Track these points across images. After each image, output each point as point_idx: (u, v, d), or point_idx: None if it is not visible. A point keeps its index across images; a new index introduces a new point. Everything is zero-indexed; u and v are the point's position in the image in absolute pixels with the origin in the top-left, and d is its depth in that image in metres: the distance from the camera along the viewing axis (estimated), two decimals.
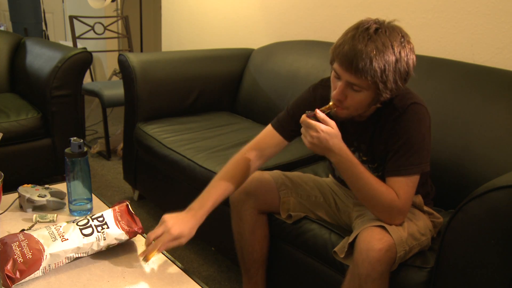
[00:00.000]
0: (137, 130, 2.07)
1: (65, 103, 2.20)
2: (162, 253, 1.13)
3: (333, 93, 1.12)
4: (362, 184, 1.12)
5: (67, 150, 1.24)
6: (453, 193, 1.42)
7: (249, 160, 1.31)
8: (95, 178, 2.59)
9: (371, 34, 1.03)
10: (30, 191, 1.30)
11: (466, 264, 1.00)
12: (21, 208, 1.30)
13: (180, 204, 1.92)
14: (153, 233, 1.10)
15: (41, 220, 1.24)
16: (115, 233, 1.09)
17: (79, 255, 1.05)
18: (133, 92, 2.08)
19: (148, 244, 1.10)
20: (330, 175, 1.52)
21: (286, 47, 2.26)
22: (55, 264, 1.01)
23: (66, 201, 1.33)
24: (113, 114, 3.70)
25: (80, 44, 3.35)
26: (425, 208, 1.28)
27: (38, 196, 1.29)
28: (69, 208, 1.30)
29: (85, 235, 1.05)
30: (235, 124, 2.15)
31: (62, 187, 1.41)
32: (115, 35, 3.66)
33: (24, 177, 2.12)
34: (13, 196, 1.34)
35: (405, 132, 1.12)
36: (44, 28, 3.92)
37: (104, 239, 1.08)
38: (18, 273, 0.95)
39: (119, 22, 3.94)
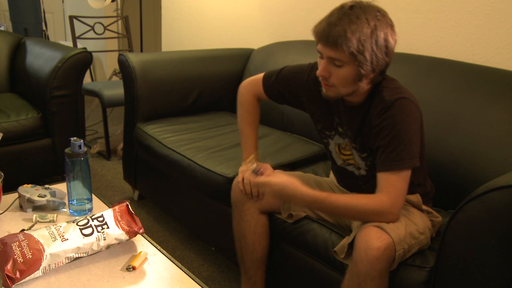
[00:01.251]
0: (137, 130, 2.07)
1: (65, 103, 2.20)
2: (162, 252, 1.13)
3: (318, 70, 1.16)
4: (342, 209, 1.17)
5: (67, 150, 1.24)
6: (453, 193, 1.42)
7: (256, 103, 1.50)
8: (95, 178, 2.59)
9: (346, 10, 1.08)
10: (30, 191, 1.30)
11: (466, 264, 1.00)
12: (21, 208, 1.30)
13: (180, 204, 1.92)
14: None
15: (41, 220, 1.24)
16: (115, 233, 1.09)
17: (79, 255, 1.05)
18: (133, 92, 2.08)
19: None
20: (330, 175, 1.53)
21: (286, 47, 2.26)
22: (55, 264, 1.01)
23: (66, 201, 1.33)
24: (113, 114, 3.70)
25: (80, 44, 3.35)
26: (424, 207, 1.28)
27: (38, 196, 1.29)
28: (69, 208, 1.30)
29: (85, 235, 1.05)
30: (235, 124, 2.14)
31: (62, 187, 1.41)
32: (115, 35, 3.66)
33: (24, 177, 2.13)
34: (13, 196, 1.34)
35: (393, 127, 1.13)
36: (44, 28, 3.92)
37: (104, 239, 1.08)
38: (18, 273, 0.95)
39: (119, 22, 3.94)
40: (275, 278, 1.51)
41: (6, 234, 1.11)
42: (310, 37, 1.93)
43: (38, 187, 1.34)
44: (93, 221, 1.09)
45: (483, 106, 1.44)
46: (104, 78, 4.52)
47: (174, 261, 1.10)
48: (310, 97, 1.34)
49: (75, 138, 1.24)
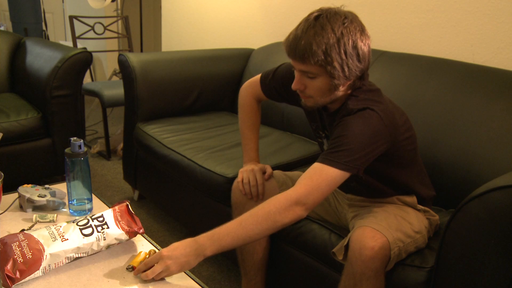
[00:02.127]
0: (137, 130, 2.07)
1: (65, 103, 2.20)
2: None
3: (292, 84, 1.16)
4: (252, 227, 1.06)
5: (67, 150, 1.24)
6: (453, 193, 1.42)
7: (255, 105, 1.50)
8: (95, 178, 2.60)
9: (311, 21, 1.07)
10: (30, 191, 1.30)
11: (466, 264, 1.00)
12: (21, 208, 1.30)
13: (180, 204, 1.92)
14: (152, 273, 0.99)
15: (41, 220, 1.24)
16: (115, 233, 1.09)
17: (79, 255, 1.05)
18: (133, 92, 2.08)
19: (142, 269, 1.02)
20: None
21: None
22: (55, 264, 1.01)
23: (66, 201, 1.33)
24: (113, 114, 3.71)
25: (80, 44, 3.35)
26: (420, 206, 1.27)
27: (38, 196, 1.29)
28: (69, 208, 1.31)
29: (85, 235, 1.05)
30: (235, 124, 2.15)
31: (62, 187, 1.41)
32: (115, 35, 3.66)
33: (24, 177, 2.13)
34: (13, 196, 1.34)
35: (343, 130, 1.09)
36: (44, 28, 3.92)
37: (104, 239, 1.08)
38: (18, 273, 0.95)
39: (119, 22, 3.94)
40: (276, 279, 1.51)
41: (6, 234, 1.11)
42: None
43: (38, 187, 1.34)
44: (93, 221, 1.09)
45: (483, 106, 1.44)
46: (104, 78, 4.52)
47: None
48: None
49: (75, 138, 1.24)
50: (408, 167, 1.24)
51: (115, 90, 2.80)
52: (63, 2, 4.75)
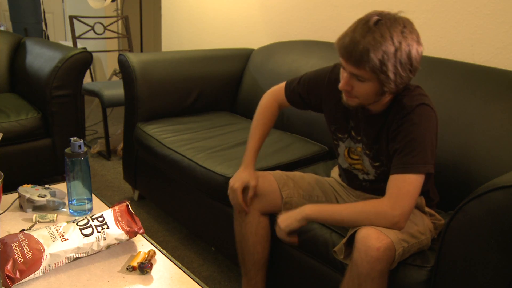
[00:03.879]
0: (137, 130, 2.07)
1: (65, 103, 2.20)
2: (162, 252, 1.13)
3: (340, 84, 1.15)
4: (348, 217, 1.17)
5: (67, 150, 1.24)
6: (453, 193, 1.42)
7: (275, 109, 1.48)
8: (95, 178, 2.59)
9: (371, 26, 1.05)
10: (30, 191, 1.30)
11: (466, 263, 1.00)
12: (21, 208, 1.30)
13: (180, 204, 1.92)
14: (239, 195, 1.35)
15: (41, 220, 1.24)
16: (115, 233, 1.09)
17: (79, 255, 1.05)
18: (133, 92, 2.08)
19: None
20: (331, 175, 1.52)
21: (286, 47, 2.26)
22: (55, 264, 1.01)
23: (66, 201, 1.33)
24: (113, 114, 3.71)
25: (80, 44, 3.35)
26: (427, 209, 1.28)
27: (38, 196, 1.29)
28: (69, 208, 1.31)
29: (85, 235, 1.05)
30: (235, 124, 2.15)
31: (62, 187, 1.41)
32: (115, 35, 3.66)
33: (24, 177, 2.13)
34: (13, 196, 1.34)
35: (411, 132, 1.12)
36: (44, 28, 3.92)
37: (104, 239, 1.08)
38: (18, 273, 0.95)
39: (119, 22, 3.94)
40: (276, 278, 1.51)
41: (6, 234, 1.11)
42: (310, 37, 1.94)
43: (38, 187, 1.34)
44: (93, 221, 1.09)
45: (483, 106, 1.44)
46: (104, 78, 4.52)
47: (174, 261, 1.10)
48: (328, 98, 1.34)
49: (75, 138, 1.24)
50: None
51: (115, 90, 2.80)
52: (63, 2, 4.75)
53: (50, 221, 1.24)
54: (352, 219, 1.16)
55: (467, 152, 1.42)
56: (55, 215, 1.26)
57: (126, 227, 1.11)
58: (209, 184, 1.65)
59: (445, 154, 1.47)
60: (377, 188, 1.28)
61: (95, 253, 1.09)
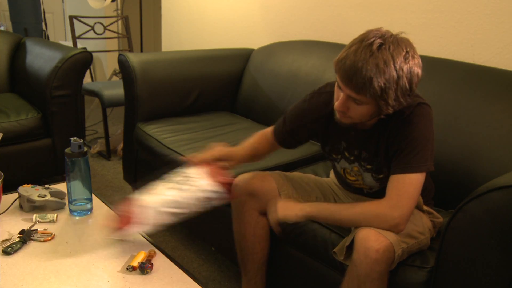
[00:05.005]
0: (137, 130, 2.07)
1: (65, 103, 2.20)
2: (162, 253, 1.13)
3: (336, 104, 1.12)
4: (347, 218, 1.18)
5: (67, 150, 1.24)
6: (453, 193, 1.42)
7: (266, 138, 1.42)
8: (95, 178, 2.59)
9: (374, 51, 1.01)
10: (30, 191, 1.30)
11: (466, 264, 1.00)
12: (21, 208, 1.31)
13: None
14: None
15: (41, 220, 1.24)
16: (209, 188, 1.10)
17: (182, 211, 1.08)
18: (133, 92, 2.08)
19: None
20: (330, 175, 1.53)
21: (286, 47, 2.26)
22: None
23: (66, 201, 1.33)
24: (113, 114, 3.71)
25: (80, 44, 3.35)
26: (425, 207, 1.28)
27: (38, 196, 1.29)
28: (69, 208, 1.31)
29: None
30: (235, 124, 2.15)
31: (62, 187, 1.41)
32: (115, 35, 3.66)
33: (24, 177, 2.13)
34: (13, 196, 1.34)
35: (411, 132, 1.11)
36: (44, 28, 3.92)
37: (202, 192, 1.08)
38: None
39: (119, 22, 3.94)
40: (276, 279, 1.51)
41: (6, 234, 1.11)
42: (310, 37, 1.94)
43: (38, 187, 1.34)
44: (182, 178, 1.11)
45: (483, 106, 1.44)
46: (104, 78, 4.52)
47: (174, 261, 1.11)
48: (316, 125, 1.31)
49: (75, 138, 1.24)
50: None
51: (115, 90, 2.80)
52: (63, 2, 4.75)
53: (50, 221, 1.24)
54: (351, 219, 1.17)
55: (467, 152, 1.42)
56: (55, 215, 1.26)
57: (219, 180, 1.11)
58: None
59: (445, 154, 1.47)
60: (382, 195, 1.27)
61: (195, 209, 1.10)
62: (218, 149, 1.37)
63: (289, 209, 1.25)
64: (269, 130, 1.42)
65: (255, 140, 1.43)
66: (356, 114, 1.11)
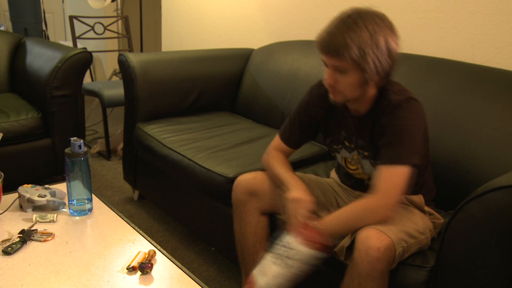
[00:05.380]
0: (137, 130, 2.07)
1: (65, 103, 2.20)
2: (162, 252, 1.13)
3: (324, 79, 1.17)
4: (342, 222, 1.18)
5: (67, 150, 1.25)
6: (453, 193, 1.42)
7: (282, 155, 1.42)
8: (95, 178, 2.60)
9: (344, 19, 1.10)
10: (30, 191, 1.30)
11: (466, 264, 1.00)
12: (21, 208, 1.31)
13: (180, 204, 1.92)
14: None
15: (41, 220, 1.24)
16: (309, 253, 1.14)
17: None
18: (133, 92, 2.08)
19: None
20: (331, 175, 1.53)
21: (286, 47, 2.26)
22: None
23: (66, 201, 1.33)
24: (113, 114, 3.71)
25: (80, 44, 3.35)
26: (426, 208, 1.28)
27: (38, 196, 1.29)
28: (69, 208, 1.31)
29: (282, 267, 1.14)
30: (235, 124, 2.15)
31: (62, 187, 1.41)
32: (115, 35, 3.66)
33: (24, 177, 2.13)
34: (13, 196, 1.34)
35: (399, 126, 1.13)
36: (44, 28, 3.92)
37: (301, 263, 1.14)
38: None
39: (119, 22, 3.94)
40: None
41: (6, 234, 1.11)
42: (310, 37, 1.93)
43: (38, 187, 1.34)
44: (283, 252, 1.15)
45: (483, 106, 1.44)
46: (104, 78, 4.53)
47: (174, 261, 1.11)
48: (318, 115, 1.35)
49: (75, 138, 1.24)
50: (426, 162, 1.27)
51: (115, 90, 2.80)
52: (63, 2, 4.75)
53: (50, 221, 1.24)
54: (348, 222, 1.17)
55: (467, 152, 1.42)
56: (55, 215, 1.26)
57: (312, 244, 1.14)
58: (209, 184, 1.65)
59: (445, 154, 1.47)
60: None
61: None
62: (309, 206, 1.24)
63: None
64: (276, 144, 1.42)
65: (283, 162, 1.39)
66: (345, 87, 1.15)
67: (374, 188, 1.14)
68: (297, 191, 1.23)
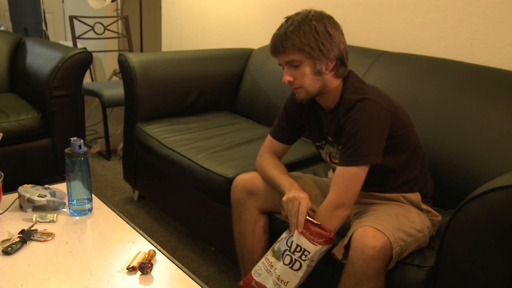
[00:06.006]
0: (137, 130, 2.07)
1: (65, 103, 2.20)
2: (162, 252, 1.13)
3: (282, 79, 1.23)
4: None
5: (67, 150, 1.25)
6: (453, 193, 1.42)
7: (275, 158, 1.44)
8: (95, 178, 2.60)
9: (283, 22, 1.21)
10: (30, 191, 1.30)
11: (466, 263, 1.00)
12: (21, 208, 1.31)
13: (180, 204, 1.92)
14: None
15: (41, 220, 1.24)
16: (317, 251, 1.16)
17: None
18: (133, 92, 2.08)
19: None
20: (329, 175, 1.53)
21: None
22: None
23: (66, 201, 1.33)
24: (113, 114, 3.71)
25: (80, 44, 3.35)
26: (423, 206, 1.28)
27: (38, 196, 1.29)
28: (69, 208, 1.31)
29: (296, 270, 1.17)
30: (235, 124, 2.15)
31: (62, 187, 1.41)
32: (115, 35, 3.66)
33: (24, 177, 2.13)
34: (13, 196, 1.34)
35: (353, 127, 1.16)
36: (44, 28, 3.92)
37: (312, 261, 1.16)
38: None
39: (119, 22, 3.94)
40: None
41: (6, 234, 1.11)
42: None
43: (38, 187, 1.34)
44: (294, 254, 1.17)
45: (483, 106, 1.45)
46: (104, 78, 4.53)
47: (174, 261, 1.11)
48: (300, 115, 1.40)
49: (75, 138, 1.24)
50: (415, 156, 1.29)
51: (115, 90, 2.80)
52: (63, 2, 4.75)
53: (50, 221, 1.24)
54: (328, 224, 1.19)
55: (467, 152, 1.42)
56: (55, 215, 1.26)
57: (320, 240, 1.15)
58: (209, 184, 1.65)
59: (445, 154, 1.47)
60: (368, 183, 1.27)
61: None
62: (307, 202, 1.22)
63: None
64: (268, 144, 1.46)
65: (276, 164, 1.40)
66: (302, 79, 1.20)
67: (330, 187, 1.19)
68: (292, 191, 1.25)
